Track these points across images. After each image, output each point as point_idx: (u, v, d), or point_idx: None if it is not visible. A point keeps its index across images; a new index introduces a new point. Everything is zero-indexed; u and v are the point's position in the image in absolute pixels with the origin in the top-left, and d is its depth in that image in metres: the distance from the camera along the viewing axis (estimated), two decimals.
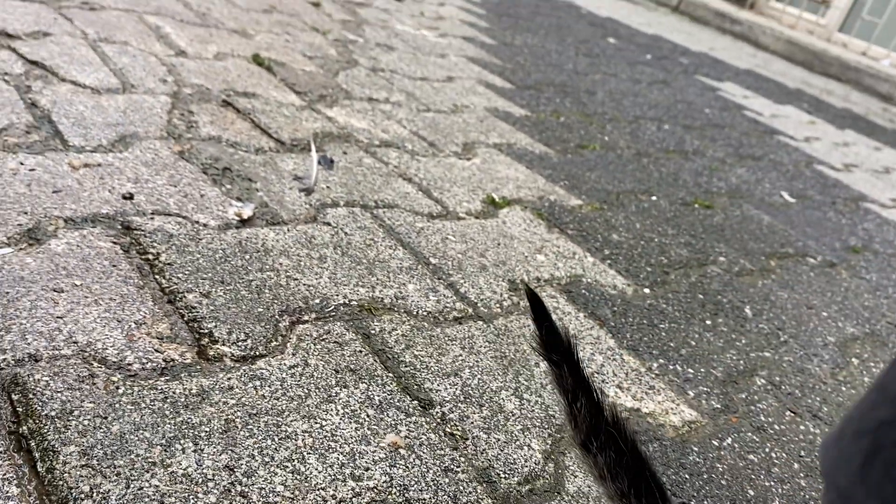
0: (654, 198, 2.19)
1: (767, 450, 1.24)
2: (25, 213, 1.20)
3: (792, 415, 1.37)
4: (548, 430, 1.11)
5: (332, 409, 1.01)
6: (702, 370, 1.40)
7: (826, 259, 2.16)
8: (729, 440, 1.23)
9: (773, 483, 1.17)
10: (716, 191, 2.44)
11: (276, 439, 0.93)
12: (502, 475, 1.00)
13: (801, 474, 1.22)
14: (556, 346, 0.64)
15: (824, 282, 1.99)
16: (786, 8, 7.49)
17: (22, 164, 1.33)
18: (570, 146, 2.40)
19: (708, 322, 1.58)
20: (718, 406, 1.31)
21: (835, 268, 2.12)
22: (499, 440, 1.05)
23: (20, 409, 0.86)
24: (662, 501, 0.58)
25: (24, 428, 0.84)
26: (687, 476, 1.12)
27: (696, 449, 1.18)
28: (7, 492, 0.76)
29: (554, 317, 0.75)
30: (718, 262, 1.89)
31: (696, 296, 1.68)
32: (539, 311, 0.66)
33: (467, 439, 1.04)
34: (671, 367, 1.38)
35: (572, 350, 0.64)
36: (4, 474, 0.78)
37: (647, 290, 1.63)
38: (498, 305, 1.38)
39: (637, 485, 0.59)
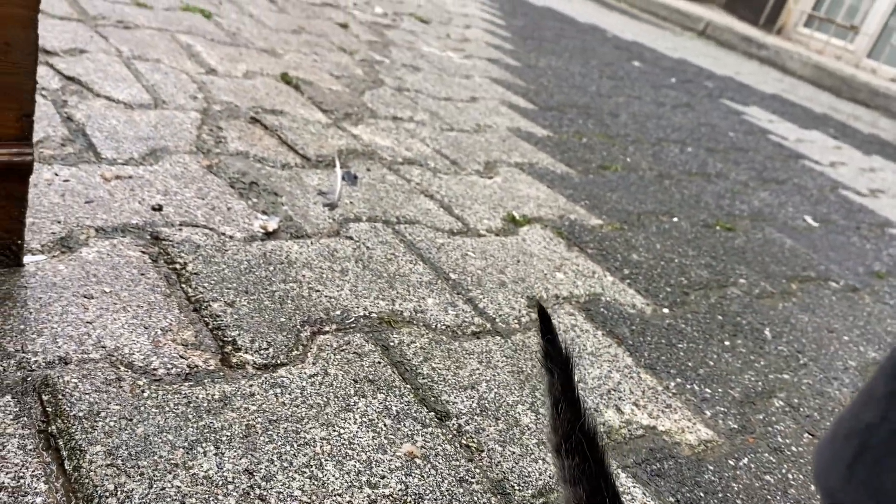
0: (675, 219, 2.20)
1: (784, 471, 1.24)
2: (59, 222, 1.24)
3: (810, 437, 1.36)
4: None
5: (350, 418, 1.03)
6: (719, 390, 1.40)
7: (849, 283, 2.15)
8: (745, 460, 1.23)
9: None
10: (738, 213, 2.44)
11: (295, 445, 0.95)
12: (517, 487, 1.01)
13: (818, 496, 1.21)
14: (555, 359, 0.69)
15: (846, 306, 1.98)
16: (814, 33, 7.47)
17: (56, 175, 1.37)
18: (591, 167, 2.42)
19: (727, 343, 1.58)
20: (735, 426, 1.31)
21: (857, 292, 2.11)
22: (514, 453, 1.07)
23: (49, 410, 0.89)
24: None
25: (53, 427, 0.87)
26: (702, 494, 1.12)
27: (711, 468, 1.18)
28: (36, 488, 0.79)
29: (561, 335, 0.78)
30: (739, 284, 1.89)
31: (715, 317, 1.68)
32: (546, 326, 0.71)
33: (482, 451, 1.05)
34: (688, 387, 1.38)
35: (569, 363, 0.68)
36: (34, 471, 0.81)
37: (665, 310, 1.63)
38: (516, 321, 1.40)
39: (594, 492, 0.64)
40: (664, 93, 4.00)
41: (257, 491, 0.87)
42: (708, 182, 2.68)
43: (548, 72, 3.61)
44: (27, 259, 1.13)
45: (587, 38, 4.98)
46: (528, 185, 2.07)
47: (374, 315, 1.27)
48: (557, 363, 0.69)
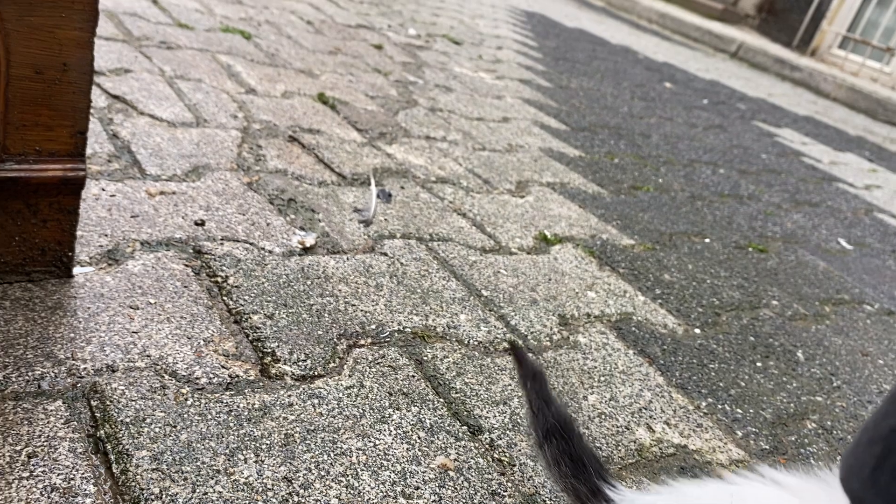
0: (707, 240, 2.20)
1: None
2: (106, 235, 1.29)
3: None
4: None
5: (385, 430, 1.05)
6: (751, 411, 1.40)
7: (884, 307, 2.13)
8: None
9: None
10: (770, 235, 2.43)
11: (332, 455, 0.98)
12: (548, 502, 1.02)
13: None
14: (526, 372, 0.82)
15: (881, 329, 1.96)
16: (848, 55, 7.42)
17: (103, 190, 1.42)
18: (623, 187, 2.43)
19: (758, 364, 1.58)
20: (767, 447, 1.31)
21: (893, 316, 2.08)
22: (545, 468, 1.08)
23: (98, 415, 0.92)
24: (598, 479, 0.66)
25: (102, 432, 0.90)
26: None
27: None
28: (85, 489, 0.82)
29: (530, 356, 0.83)
30: (771, 306, 1.88)
31: (747, 338, 1.68)
32: (518, 354, 0.88)
33: (514, 465, 1.07)
34: (720, 407, 1.38)
35: (540, 373, 0.80)
36: (83, 474, 0.84)
37: (697, 331, 1.64)
38: (547, 339, 1.41)
39: (577, 467, 0.70)
40: (696, 114, 4.00)
41: (296, 498, 0.89)
42: (740, 203, 2.67)
43: (579, 93, 3.63)
44: (76, 270, 1.17)
45: (619, 59, 5.00)
46: (559, 205, 2.09)
47: (408, 330, 1.30)
48: (528, 374, 0.80)
